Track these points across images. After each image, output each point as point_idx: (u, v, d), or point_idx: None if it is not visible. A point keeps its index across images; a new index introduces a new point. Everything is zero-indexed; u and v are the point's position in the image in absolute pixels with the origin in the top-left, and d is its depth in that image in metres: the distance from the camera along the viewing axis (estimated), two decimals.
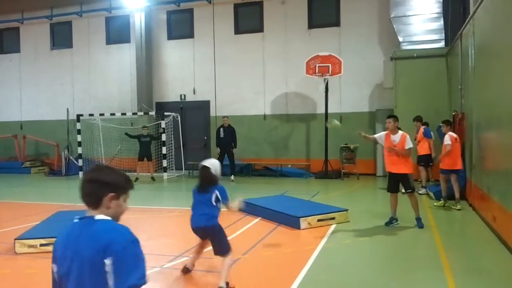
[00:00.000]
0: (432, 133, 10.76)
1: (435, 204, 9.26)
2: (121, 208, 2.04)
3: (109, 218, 1.98)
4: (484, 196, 7.65)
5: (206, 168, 4.91)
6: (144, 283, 1.85)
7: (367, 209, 9.18)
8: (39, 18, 18.38)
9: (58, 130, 17.74)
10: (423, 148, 10.66)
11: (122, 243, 1.87)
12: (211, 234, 4.94)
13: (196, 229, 4.98)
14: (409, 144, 7.36)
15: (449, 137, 8.95)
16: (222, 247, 4.84)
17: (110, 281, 1.81)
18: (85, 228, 1.93)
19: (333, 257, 5.93)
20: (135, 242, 1.92)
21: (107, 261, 1.81)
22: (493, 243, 6.44)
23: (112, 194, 1.99)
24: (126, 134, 14.53)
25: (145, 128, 14.44)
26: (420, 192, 10.47)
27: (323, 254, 5.95)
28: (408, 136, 7.46)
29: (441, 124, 9.65)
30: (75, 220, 1.98)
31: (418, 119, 10.99)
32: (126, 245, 1.88)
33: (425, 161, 10.71)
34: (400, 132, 7.50)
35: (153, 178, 14.21)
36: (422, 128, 10.77)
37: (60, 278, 1.97)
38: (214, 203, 4.84)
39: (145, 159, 14.04)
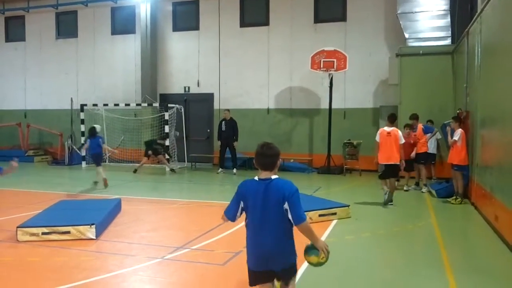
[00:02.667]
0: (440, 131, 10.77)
1: (452, 202, 9.18)
2: (278, 166, 3.24)
3: (276, 176, 3.18)
4: (486, 194, 7.63)
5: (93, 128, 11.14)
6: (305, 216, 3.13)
7: (369, 205, 9.18)
8: (44, 7, 18.36)
9: (62, 120, 17.78)
10: (424, 146, 10.62)
11: (293, 192, 3.10)
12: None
13: None
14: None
15: (460, 133, 9.00)
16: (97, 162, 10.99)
17: (289, 215, 3.09)
18: (269, 184, 3.16)
19: (334, 252, 5.88)
20: (297, 191, 3.13)
21: (286, 205, 3.06)
22: (495, 242, 6.43)
23: (280, 158, 3.26)
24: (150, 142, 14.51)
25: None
26: (423, 190, 10.46)
27: None
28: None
29: (450, 121, 9.66)
30: (256, 179, 3.24)
31: (414, 117, 10.93)
32: (295, 193, 3.10)
33: (425, 159, 10.66)
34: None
35: (173, 170, 14.21)
36: (420, 126, 10.75)
37: (252, 208, 3.24)
38: (100, 145, 10.91)
39: (151, 154, 14.08)
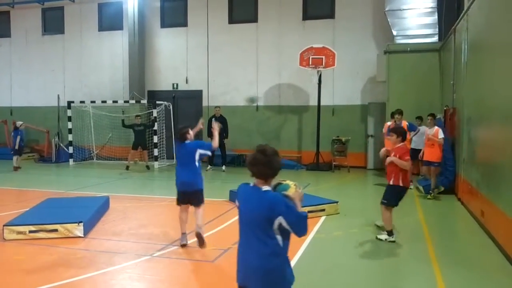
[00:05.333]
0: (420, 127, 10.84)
1: (428, 197, 9.31)
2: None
3: (269, 188, 2.83)
4: (472, 190, 7.73)
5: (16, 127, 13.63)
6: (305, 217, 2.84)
7: (357, 201, 9.25)
8: (30, 3, 18.13)
9: (48, 117, 17.58)
10: (408, 144, 10.59)
11: (283, 204, 2.73)
12: None
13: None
14: None
15: (442, 131, 9.15)
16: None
17: (279, 223, 2.72)
18: (257, 192, 2.83)
19: (323, 248, 5.97)
20: (281, 196, 2.78)
21: (280, 218, 2.70)
22: (481, 237, 6.52)
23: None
24: (123, 122, 14.41)
25: (138, 117, 14.41)
26: (410, 187, 10.46)
27: (313, 245, 5.99)
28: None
29: (437, 118, 9.76)
30: (251, 184, 2.88)
31: (398, 112, 10.95)
32: (280, 202, 2.75)
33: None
34: None
35: (147, 167, 14.18)
36: (405, 123, 10.76)
37: (242, 211, 2.92)
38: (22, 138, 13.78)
39: (139, 148, 14.05)
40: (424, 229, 6.92)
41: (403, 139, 6.31)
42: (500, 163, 6.01)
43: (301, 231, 2.80)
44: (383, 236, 6.34)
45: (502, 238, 5.76)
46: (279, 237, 2.77)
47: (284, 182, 2.89)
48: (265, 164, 2.79)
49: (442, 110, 11.26)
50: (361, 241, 6.42)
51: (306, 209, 7.43)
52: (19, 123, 14.49)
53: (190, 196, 5.80)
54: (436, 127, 9.53)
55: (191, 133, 5.88)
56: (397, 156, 6.11)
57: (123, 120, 14.45)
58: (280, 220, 2.71)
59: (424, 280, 4.85)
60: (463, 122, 8.99)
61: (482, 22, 7.52)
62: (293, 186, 2.86)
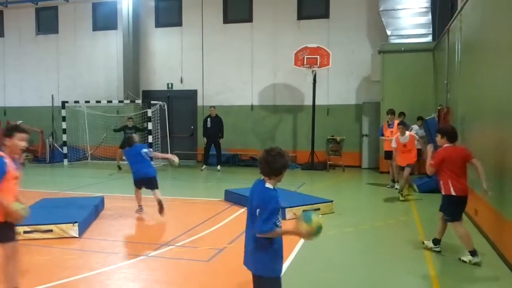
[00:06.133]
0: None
1: (401, 199, 9.25)
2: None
3: (271, 186, 3.12)
4: None
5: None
6: (271, 228, 2.97)
7: (352, 201, 9.28)
8: (24, 2, 18.03)
9: (42, 117, 17.50)
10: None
11: (267, 203, 3.02)
12: None
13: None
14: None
15: (415, 134, 9.37)
16: None
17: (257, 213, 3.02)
18: (259, 185, 3.15)
19: (317, 248, 5.98)
20: (273, 198, 3.05)
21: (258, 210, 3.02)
22: (474, 235, 6.54)
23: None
24: (114, 130, 14.54)
25: (130, 120, 14.36)
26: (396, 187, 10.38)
27: (308, 245, 5.99)
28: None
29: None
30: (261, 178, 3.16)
31: (390, 112, 10.95)
32: (267, 200, 3.04)
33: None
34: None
35: None
36: (397, 122, 10.75)
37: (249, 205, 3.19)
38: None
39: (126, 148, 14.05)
40: (419, 228, 6.96)
41: (449, 139, 5.52)
42: (493, 162, 6.05)
43: (259, 231, 2.99)
44: (467, 258, 5.31)
45: (495, 236, 5.80)
46: None
47: (312, 215, 3.06)
48: (266, 163, 3.09)
49: (436, 109, 11.31)
50: (356, 240, 6.46)
51: (301, 208, 7.47)
52: (18, 122, 14.67)
53: (147, 182, 7.53)
54: (408, 133, 9.45)
55: (137, 139, 8.13)
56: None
57: (114, 129, 14.55)
58: (258, 211, 3.02)
59: (419, 279, 4.88)
60: (456, 121, 9.03)
61: (475, 22, 7.56)
62: (314, 225, 2.97)
